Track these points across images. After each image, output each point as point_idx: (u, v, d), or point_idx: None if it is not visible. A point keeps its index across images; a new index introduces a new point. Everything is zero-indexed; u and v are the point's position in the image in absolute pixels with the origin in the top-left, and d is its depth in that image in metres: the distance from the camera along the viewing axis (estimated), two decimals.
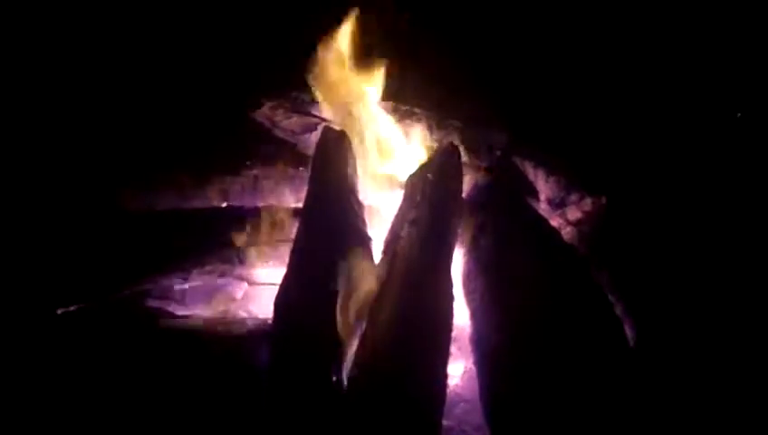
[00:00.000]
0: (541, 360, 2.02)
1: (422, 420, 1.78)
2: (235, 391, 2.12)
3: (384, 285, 2.17)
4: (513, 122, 3.06)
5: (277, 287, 2.26)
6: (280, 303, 2.20)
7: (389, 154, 3.02)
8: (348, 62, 2.98)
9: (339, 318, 2.10)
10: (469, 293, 2.41)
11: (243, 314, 2.77)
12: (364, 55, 2.99)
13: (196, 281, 2.75)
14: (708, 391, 2.16)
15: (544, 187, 2.98)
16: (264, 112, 3.12)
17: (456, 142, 2.81)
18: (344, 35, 3.01)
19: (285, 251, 2.60)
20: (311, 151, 2.91)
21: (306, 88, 3.01)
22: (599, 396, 1.93)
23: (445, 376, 1.90)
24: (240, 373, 2.19)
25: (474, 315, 2.33)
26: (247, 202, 3.02)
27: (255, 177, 3.04)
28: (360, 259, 2.35)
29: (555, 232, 2.65)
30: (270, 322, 2.26)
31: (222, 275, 2.79)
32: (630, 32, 3.08)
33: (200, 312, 2.73)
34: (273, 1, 3.18)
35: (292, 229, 2.63)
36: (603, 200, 2.85)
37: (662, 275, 2.58)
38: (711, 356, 2.26)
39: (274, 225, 2.87)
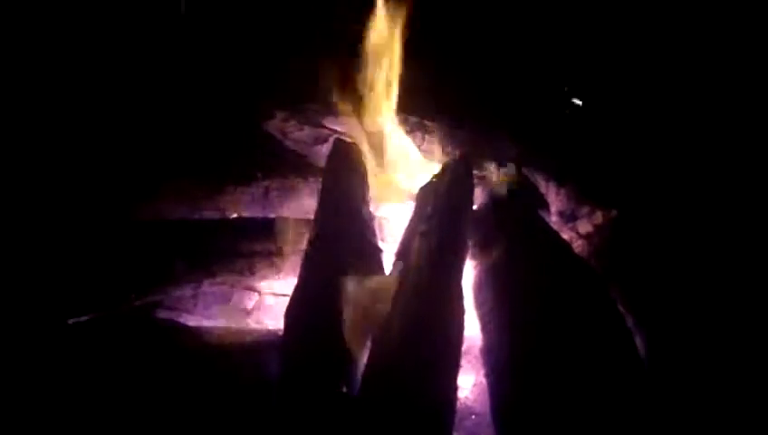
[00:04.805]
0: (552, 372, 2.01)
1: (432, 432, 1.78)
2: (245, 402, 2.12)
3: (394, 297, 2.17)
4: (524, 135, 3.06)
5: (288, 299, 2.27)
6: (290, 314, 2.21)
7: (400, 166, 3.03)
8: (360, 74, 3.00)
9: (349, 330, 2.10)
10: (480, 305, 2.41)
11: (253, 325, 2.78)
12: (376, 66, 3.00)
13: (207, 292, 2.76)
14: (720, 403, 2.15)
15: (555, 199, 2.97)
16: (276, 124, 3.14)
17: (467, 154, 2.81)
18: (357, 47, 3.02)
19: (296, 262, 2.61)
20: (322, 163, 2.92)
21: (318, 99, 3.03)
22: (610, 408, 1.91)
23: (455, 388, 1.90)
24: (250, 384, 2.19)
25: (485, 328, 2.32)
26: (258, 213, 3.03)
27: (266, 188, 3.05)
28: (371, 271, 2.35)
29: (566, 245, 2.64)
30: (280, 333, 2.27)
31: (232, 285, 2.79)
32: (642, 45, 3.08)
33: (211, 322, 2.73)
34: (286, 12, 3.20)
35: (303, 241, 2.63)
36: (614, 214, 2.85)
37: (673, 287, 2.56)
38: (723, 368, 2.24)
39: (285, 236, 2.87)
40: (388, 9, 3.00)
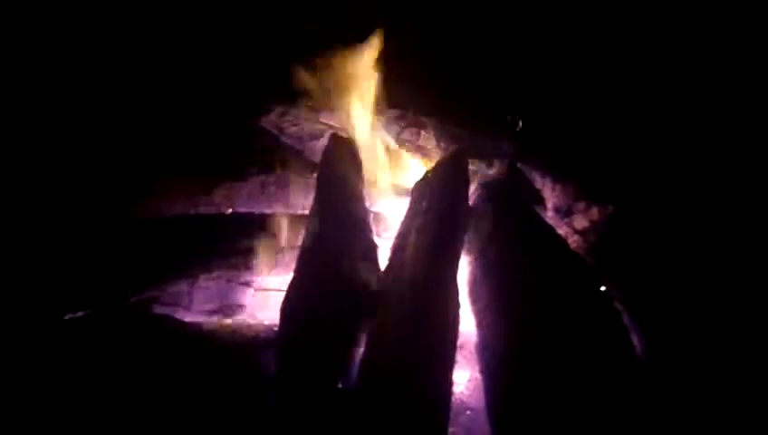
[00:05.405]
0: (547, 368, 2.01)
1: (428, 426, 1.78)
2: (241, 397, 2.12)
3: (390, 292, 2.17)
4: (520, 130, 3.06)
5: (284, 294, 2.27)
6: (286, 309, 2.21)
7: (396, 161, 3.03)
8: (355, 70, 2.99)
9: (345, 325, 2.10)
10: (475, 301, 2.41)
11: (249, 320, 2.78)
12: (371, 64, 3.00)
13: (203, 287, 2.76)
14: (716, 400, 2.16)
15: (551, 195, 2.98)
16: (272, 119, 3.13)
17: (462, 150, 2.81)
18: (352, 44, 3.02)
19: (292, 258, 2.62)
20: (317, 158, 2.92)
21: (314, 95, 3.03)
22: (605, 405, 1.92)
23: (450, 383, 1.90)
24: (247, 380, 2.19)
25: (480, 323, 2.32)
26: (254, 208, 3.02)
27: (262, 183, 3.05)
28: (367, 267, 2.35)
29: (562, 240, 2.64)
30: (276, 328, 2.27)
31: (229, 281, 2.79)
32: (638, 40, 3.08)
33: (207, 318, 2.73)
34: (283, 9, 3.19)
35: (299, 236, 2.64)
36: (610, 209, 2.85)
37: (669, 284, 2.57)
38: (719, 364, 2.25)
39: (281, 231, 2.87)
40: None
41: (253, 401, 2.11)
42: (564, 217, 2.95)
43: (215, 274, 2.76)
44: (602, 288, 2.50)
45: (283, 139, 3.19)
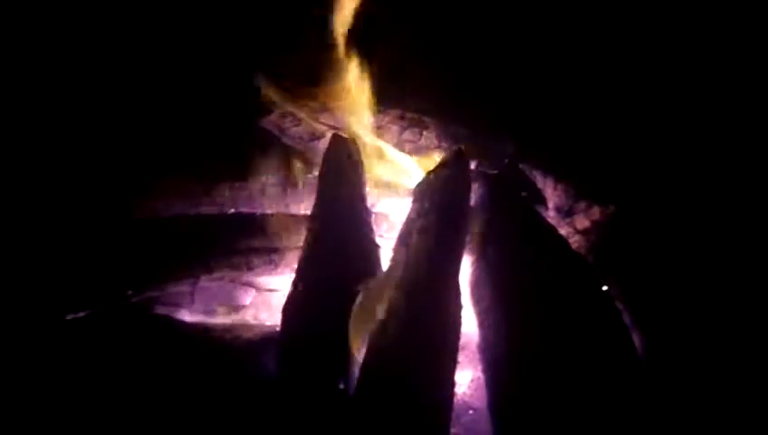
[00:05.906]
0: (549, 368, 2.01)
1: (430, 427, 1.78)
2: (242, 398, 2.12)
3: (392, 292, 2.17)
4: (521, 130, 3.06)
5: (285, 294, 2.27)
6: (288, 310, 2.21)
7: (398, 162, 3.02)
8: (355, 69, 2.99)
9: (346, 325, 2.10)
10: (477, 301, 2.41)
11: (251, 320, 2.78)
12: (371, 63, 3.00)
13: (204, 287, 2.76)
14: (717, 400, 2.15)
15: (553, 195, 2.98)
16: (273, 119, 3.13)
17: (464, 150, 2.81)
18: (350, 43, 3.02)
19: (293, 258, 2.62)
20: (319, 159, 2.92)
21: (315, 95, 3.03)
22: (607, 405, 1.92)
23: (452, 384, 1.90)
24: (247, 380, 2.19)
25: (482, 324, 2.32)
26: (255, 209, 3.03)
27: (263, 184, 3.05)
28: (368, 267, 2.35)
29: (563, 240, 2.64)
30: (278, 329, 2.27)
31: (230, 281, 2.80)
32: (640, 40, 3.08)
33: (208, 318, 2.74)
34: (284, 9, 3.19)
35: (300, 236, 2.63)
36: (611, 209, 2.85)
37: (671, 283, 2.57)
38: (720, 364, 2.25)
39: (282, 232, 2.87)
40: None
41: (253, 401, 2.11)
42: (566, 217, 2.95)
43: (216, 274, 2.76)
44: (604, 288, 2.50)
45: (285, 139, 3.19)
